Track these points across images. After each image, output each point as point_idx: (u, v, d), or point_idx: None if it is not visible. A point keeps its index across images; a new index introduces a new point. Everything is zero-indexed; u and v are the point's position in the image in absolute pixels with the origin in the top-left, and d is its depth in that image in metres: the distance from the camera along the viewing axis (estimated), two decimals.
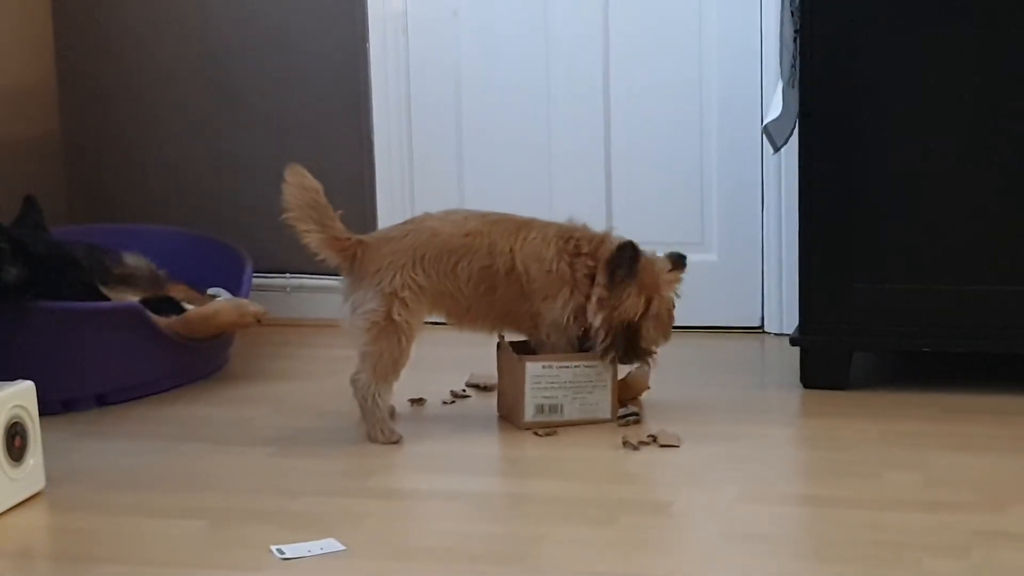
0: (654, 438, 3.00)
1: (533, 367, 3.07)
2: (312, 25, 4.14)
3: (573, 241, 3.10)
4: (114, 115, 4.33)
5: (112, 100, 4.32)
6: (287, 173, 3.02)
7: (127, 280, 3.56)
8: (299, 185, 3.01)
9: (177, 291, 3.64)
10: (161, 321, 3.43)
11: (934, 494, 2.67)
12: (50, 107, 4.32)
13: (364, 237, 3.10)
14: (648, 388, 3.24)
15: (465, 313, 3.12)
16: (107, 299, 3.42)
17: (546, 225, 3.14)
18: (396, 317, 3.01)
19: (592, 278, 3.08)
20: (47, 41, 4.31)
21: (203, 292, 3.73)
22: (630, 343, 3.10)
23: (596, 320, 3.06)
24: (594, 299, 3.06)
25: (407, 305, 3.02)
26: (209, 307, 3.55)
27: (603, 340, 3.07)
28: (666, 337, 3.15)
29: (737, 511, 2.62)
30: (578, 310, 3.08)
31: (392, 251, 3.05)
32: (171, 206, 4.26)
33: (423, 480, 2.90)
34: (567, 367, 3.09)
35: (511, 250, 3.08)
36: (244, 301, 3.59)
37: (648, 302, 3.09)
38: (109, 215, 4.22)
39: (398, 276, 3.02)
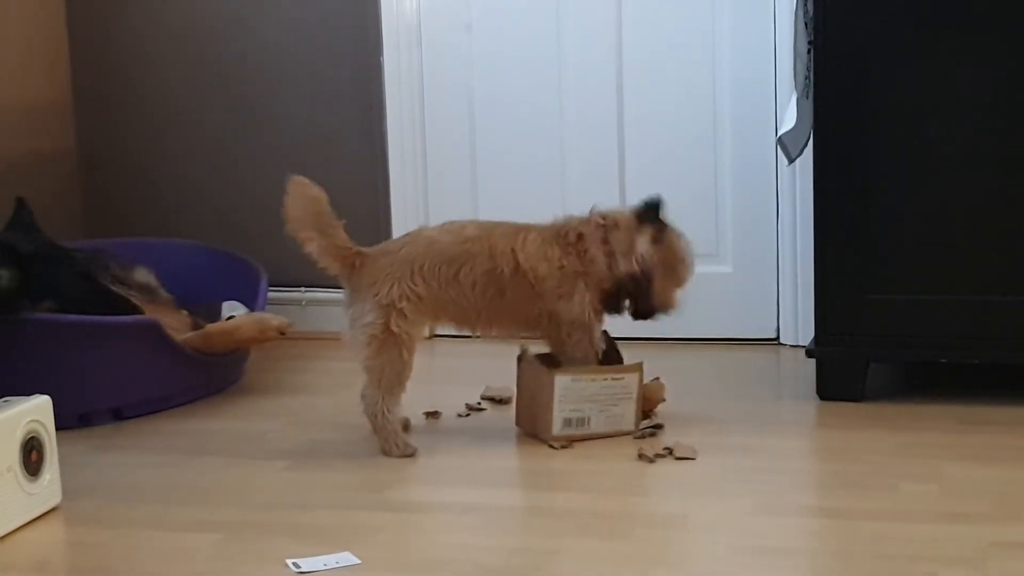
0: (670, 450, 3.00)
1: (562, 380, 3.07)
2: (326, 40, 4.16)
3: (570, 233, 3.10)
4: (129, 131, 4.34)
5: (127, 116, 4.34)
6: (289, 184, 3.03)
7: (123, 282, 3.55)
8: (301, 195, 3.02)
9: (173, 315, 3.60)
10: (180, 336, 3.44)
11: (950, 505, 2.66)
12: (66, 123, 4.34)
13: (364, 249, 3.09)
14: (664, 400, 3.24)
15: (477, 319, 3.11)
16: (107, 290, 3.41)
17: (542, 228, 3.14)
18: (395, 329, 3.01)
19: (605, 253, 3.09)
20: (62, 58, 4.33)
21: (203, 324, 3.68)
22: (643, 298, 3.13)
23: (624, 267, 3.09)
24: (644, 244, 3.09)
25: (405, 316, 3.01)
26: (230, 322, 3.55)
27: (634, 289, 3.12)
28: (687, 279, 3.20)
29: (752, 524, 2.62)
30: (593, 301, 3.09)
31: (389, 263, 3.04)
32: (186, 220, 4.27)
33: (438, 493, 2.89)
34: (595, 380, 3.08)
35: (513, 250, 3.07)
36: (266, 316, 3.58)
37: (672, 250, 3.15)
38: (124, 230, 4.24)
39: (395, 288, 3.02)
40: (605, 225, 3.12)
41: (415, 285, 3.03)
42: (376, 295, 3.02)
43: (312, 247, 3.02)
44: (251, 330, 3.52)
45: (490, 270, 3.06)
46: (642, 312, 3.14)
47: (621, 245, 3.10)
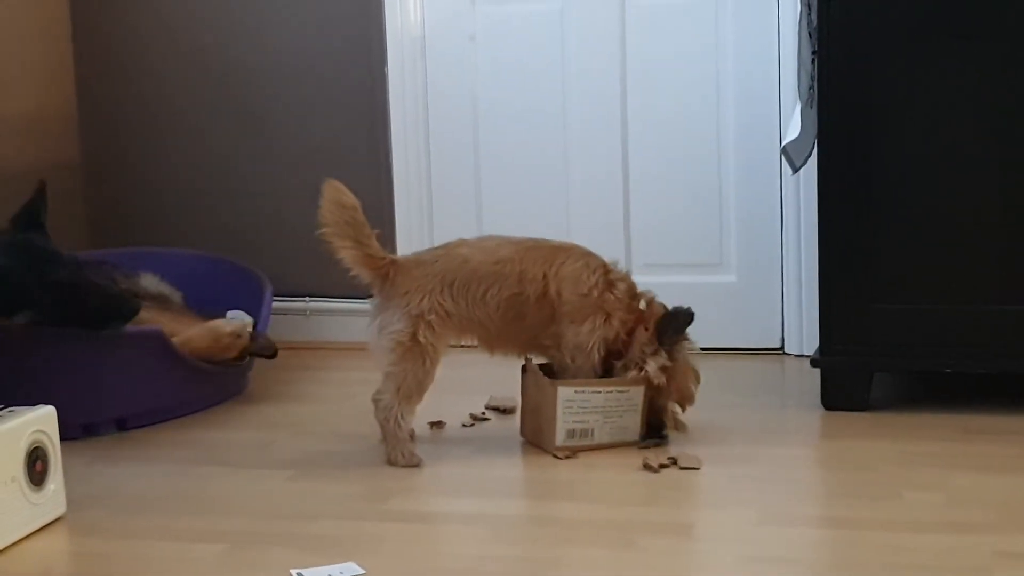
0: (674, 460, 3.00)
1: (565, 391, 3.06)
2: (331, 51, 4.16)
3: (619, 286, 3.11)
4: (133, 141, 4.35)
5: (131, 126, 4.34)
6: (324, 188, 3.02)
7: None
8: (337, 202, 3.02)
9: (183, 320, 3.60)
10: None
11: (955, 515, 2.66)
12: (70, 134, 4.35)
13: (398, 258, 3.11)
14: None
15: (495, 339, 3.13)
16: (88, 292, 3.26)
17: (589, 254, 3.14)
18: (421, 339, 3.02)
19: (626, 331, 3.09)
20: (67, 69, 4.33)
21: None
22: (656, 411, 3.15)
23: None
24: (654, 366, 3.07)
25: (433, 328, 3.02)
26: (184, 334, 3.51)
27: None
28: (693, 398, 3.19)
29: (757, 533, 2.61)
30: (604, 340, 3.09)
31: (422, 275, 3.05)
32: (191, 230, 4.28)
33: (442, 503, 2.89)
34: (599, 392, 3.08)
35: (544, 276, 3.08)
36: (219, 323, 3.55)
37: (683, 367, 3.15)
38: (129, 239, 4.24)
39: (425, 300, 3.03)
40: (641, 316, 3.10)
41: (444, 301, 3.04)
42: (407, 305, 3.03)
43: (346, 256, 3.02)
44: (203, 340, 3.49)
45: (516, 295, 3.07)
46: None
47: (635, 350, 3.10)
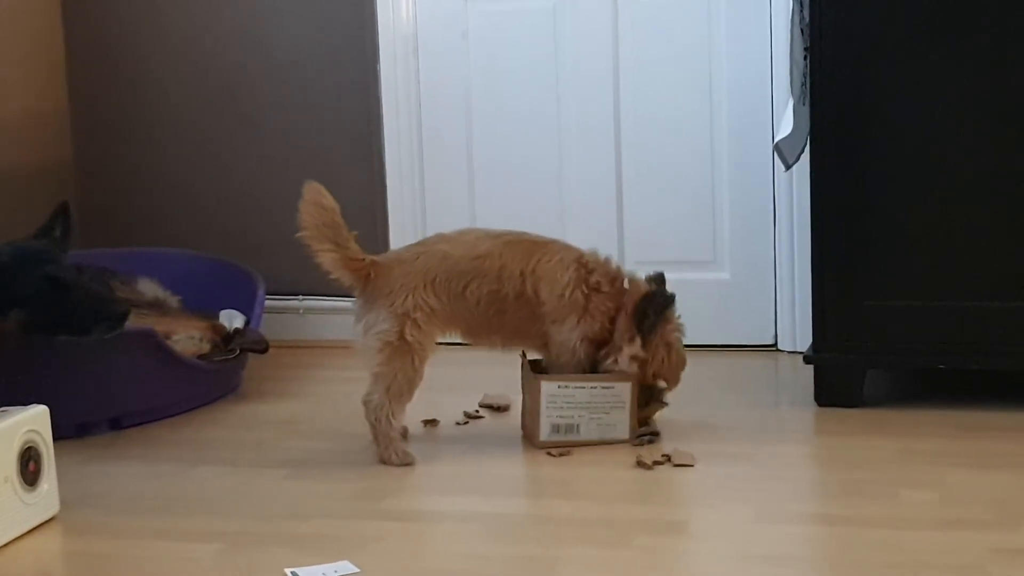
0: (668, 457, 3.00)
1: (548, 386, 3.07)
2: (323, 49, 4.16)
3: (594, 276, 3.10)
4: (126, 141, 4.34)
5: (124, 126, 4.34)
6: (305, 190, 3.02)
7: (131, 302, 3.51)
8: (316, 204, 3.01)
9: (185, 323, 3.60)
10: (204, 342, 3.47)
11: (950, 512, 2.66)
12: (62, 133, 4.34)
13: (377, 258, 3.10)
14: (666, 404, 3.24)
15: (478, 332, 3.14)
16: (82, 297, 3.22)
17: (566, 248, 3.14)
18: (409, 338, 3.02)
19: (609, 318, 3.08)
20: (59, 68, 4.32)
21: (223, 328, 3.69)
22: (645, 392, 3.15)
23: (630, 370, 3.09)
24: (627, 354, 3.07)
25: (419, 326, 3.02)
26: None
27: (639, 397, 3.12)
28: (678, 382, 3.18)
29: (752, 531, 2.62)
30: (585, 338, 3.08)
31: (404, 273, 3.05)
32: (184, 230, 4.27)
33: (437, 502, 2.89)
34: (583, 387, 3.08)
35: (522, 273, 3.08)
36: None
37: (668, 351, 3.12)
38: (122, 240, 4.23)
39: (410, 298, 3.03)
40: (622, 301, 3.09)
41: (428, 298, 3.04)
42: (391, 305, 3.03)
43: (326, 259, 3.02)
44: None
45: (495, 291, 3.07)
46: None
47: (615, 337, 3.09)
